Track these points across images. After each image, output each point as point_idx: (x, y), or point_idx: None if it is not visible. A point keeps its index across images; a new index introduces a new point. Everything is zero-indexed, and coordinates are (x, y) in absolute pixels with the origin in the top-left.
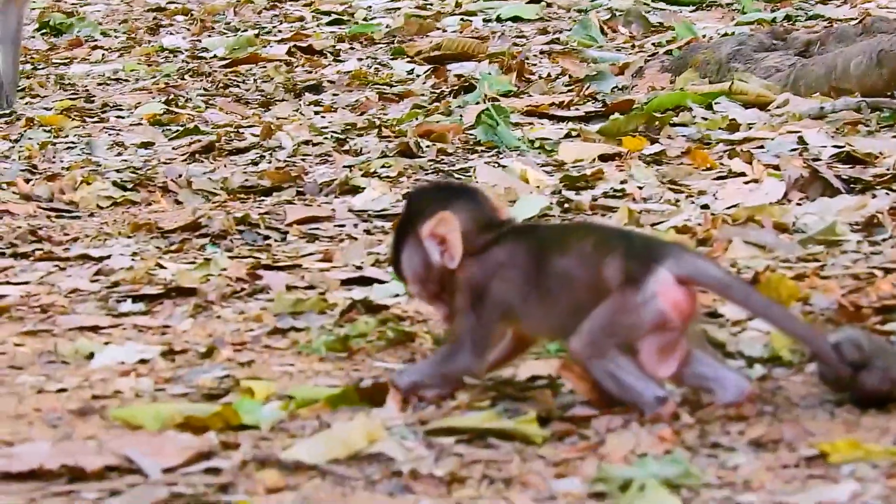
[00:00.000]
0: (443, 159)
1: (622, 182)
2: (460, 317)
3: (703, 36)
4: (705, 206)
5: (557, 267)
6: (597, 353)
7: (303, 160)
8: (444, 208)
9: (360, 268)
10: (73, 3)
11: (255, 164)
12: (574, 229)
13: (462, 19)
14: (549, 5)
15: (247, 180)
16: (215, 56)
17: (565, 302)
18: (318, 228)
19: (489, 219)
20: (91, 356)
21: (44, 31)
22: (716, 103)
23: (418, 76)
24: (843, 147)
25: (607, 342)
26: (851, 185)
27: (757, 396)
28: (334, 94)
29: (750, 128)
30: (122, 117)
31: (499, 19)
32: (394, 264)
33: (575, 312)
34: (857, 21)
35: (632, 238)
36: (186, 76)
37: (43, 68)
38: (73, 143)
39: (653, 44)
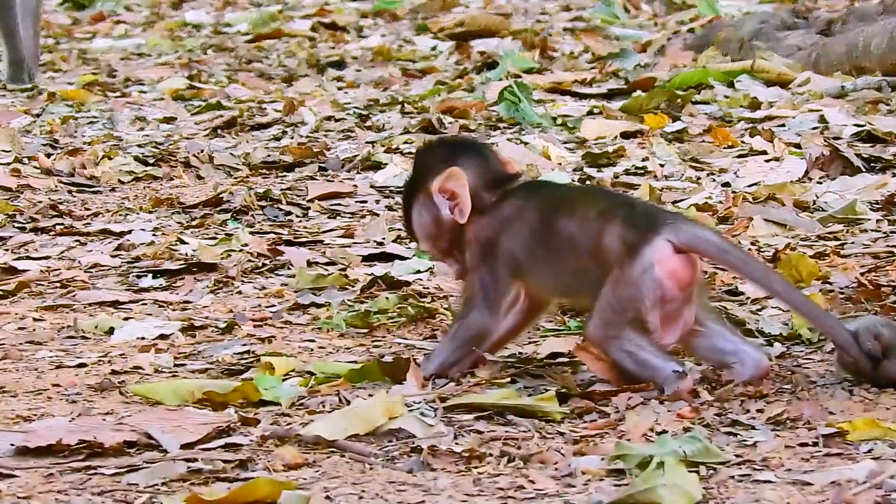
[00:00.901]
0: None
1: (644, 159)
2: (472, 273)
3: (726, 14)
4: (726, 184)
5: (563, 228)
6: (612, 333)
7: (325, 136)
8: (453, 163)
9: (381, 244)
10: None
11: (278, 139)
12: (582, 192)
13: None
14: None
15: (269, 156)
16: (238, 31)
17: (569, 263)
18: (339, 204)
19: (498, 174)
20: (111, 331)
21: (66, 4)
22: (737, 81)
23: (441, 52)
24: (864, 125)
25: (618, 320)
26: (872, 164)
27: (775, 373)
28: (357, 70)
29: (771, 106)
30: (145, 92)
31: None
32: (405, 222)
33: (578, 274)
34: (878, 0)
35: (634, 206)
36: (209, 51)
37: (65, 43)
38: (94, 117)
39: (675, 21)
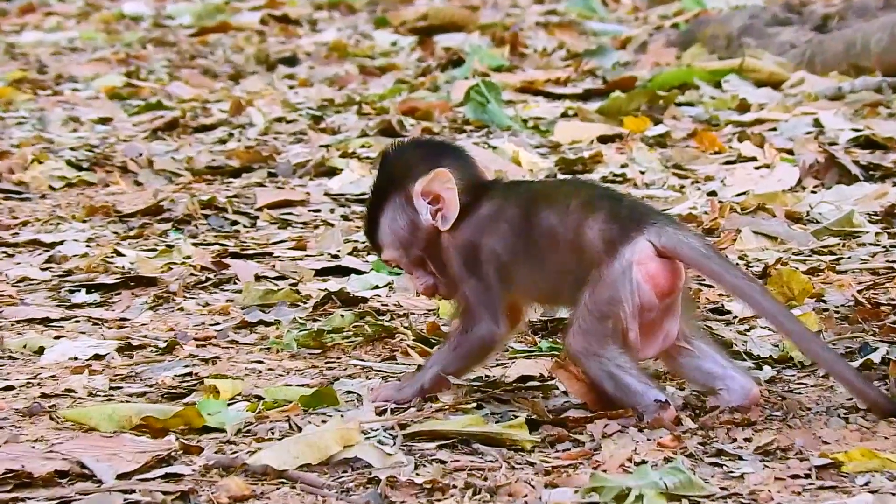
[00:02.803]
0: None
1: (623, 166)
2: (461, 285)
3: (713, 8)
4: (712, 193)
5: (544, 223)
6: (593, 348)
7: (275, 139)
8: (438, 164)
9: (336, 256)
10: None
11: (223, 142)
12: (565, 186)
13: None
14: None
15: (213, 160)
16: (181, 24)
17: (550, 260)
18: (290, 213)
19: (479, 179)
20: (41, 351)
21: None
22: (725, 81)
23: (402, 48)
24: (862, 130)
25: (599, 330)
26: (870, 172)
27: (765, 399)
28: (310, 67)
29: (762, 108)
30: (78, 90)
31: None
32: (368, 228)
33: (560, 274)
34: None
35: (620, 202)
36: (149, 46)
37: None
38: (23, 117)
39: (658, 16)
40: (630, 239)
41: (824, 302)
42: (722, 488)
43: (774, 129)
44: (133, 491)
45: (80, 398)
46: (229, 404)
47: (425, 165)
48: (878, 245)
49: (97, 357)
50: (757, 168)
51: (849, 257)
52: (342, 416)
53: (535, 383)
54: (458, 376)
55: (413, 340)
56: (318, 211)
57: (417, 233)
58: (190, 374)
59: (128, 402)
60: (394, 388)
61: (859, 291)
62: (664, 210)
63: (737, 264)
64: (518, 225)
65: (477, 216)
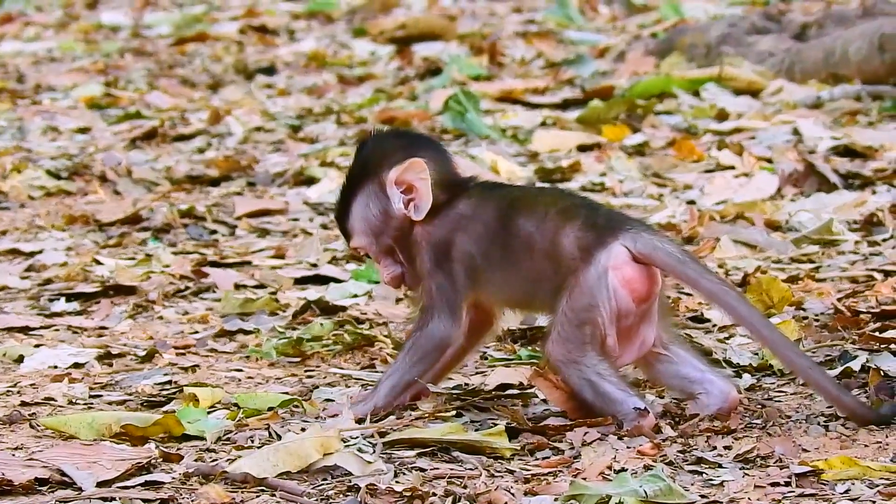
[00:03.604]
0: None
1: (601, 174)
2: (427, 280)
3: (691, 17)
4: (691, 202)
5: (520, 227)
6: (573, 355)
7: (254, 148)
8: (414, 154)
9: (315, 265)
10: None
11: (202, 151)
12: (545, 194)
13: None
14: None
15: (192, 169)
16: (159, 34)
17: (525, 266)
18: (269, 222)
19: (454, 175)
20: (20, 359)
21: None
22: (704, 90)
23: (381, 58)
24: (842, 139)
25: (577, 337)
26: (849, 181)
27: (744, 407)
28: (289, 77)
29: (740, 117)
30: (57, 100)
31: None
32: (340, 214)
33: (535, 280)
34: (857, 3)
35: (597, 210)
36: (127, 55)
37: None
38: (2, 127)
39: (636, 25)
40: (605, 244)
41: (804, 310)
42: (702, 496)
43: (753, 138)
44: (113, 499)
45: (59, 406)
46: (209, 412)
47: (401, 155)
48: (858, 253)
49: (77, 365)
50: (736, 177)
51: (828, 265)
52: (321, 424)
53: (515, 391)
54: (421, 377)
55: (392, 349)
56: (297, 220)
57: (389, 221)
58: (169, 382)
59: (107, 410)
60: (347, 406)
61: (839, 299)
62: (642, 218)
63: (714, 271)
64: (494, 228)
65: (453, 213)
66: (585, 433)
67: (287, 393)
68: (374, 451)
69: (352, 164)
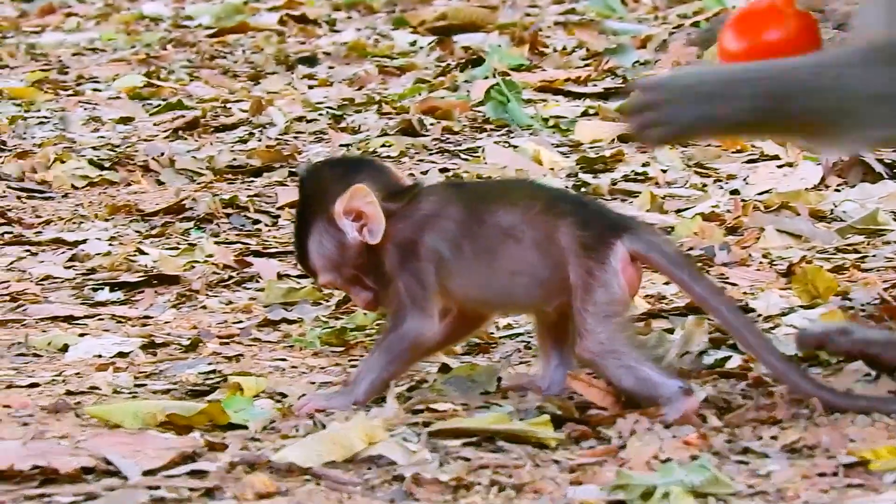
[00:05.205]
0: (448, 138)
1: (644, 164)
2: (395, 281)
3: (733, 6)
4: (735, 192)
5: (501, 222)
6: (606, 345)
7: (295, 138)
8: (353, 181)
9: None
10: None
11: (244, 142)
12: (517, 185)
13: None
14: None
15: (234, 159)
16: (200, 25)
17: (505, 260)
18: None
19: (397, 185)
20: (65, 349)
21: None
22: None
23: (421, 48)
24: None
25: (606, 328)
26: (895, 171)
27: (790, 397)
28: (330, 67)
29: None
30: (99, 90)
31: None
32: (300, 256)
33: (513, 273)
34: None
35: (586, 206)
36: (169, 46)
37: (12, 37)
38: (45, 117)
39: (678, 14)
40: (611, 244)
41: (850, 300)
42: (748, 486)
43: None
44: (158, 487)
45: (104, 395)
46: (253, 401)
47: (341, 185)
48: None
49: (121, 355)
50: (780, 166)
51: (874, 255)
52: (366, 413)
53: None
54: (394, 378)
55: None
56: None
57: (347, 252)
58: (213, 371)
59: (152, 399)
60: (323, 398)
61: (885, 289)
62: (687, 208)
63: (707, 274)
64: (466, 223)
65: (417, 214)
66: (636, 421)
67: (331, 382)
68: (419, 441)
69: (298, 204)
